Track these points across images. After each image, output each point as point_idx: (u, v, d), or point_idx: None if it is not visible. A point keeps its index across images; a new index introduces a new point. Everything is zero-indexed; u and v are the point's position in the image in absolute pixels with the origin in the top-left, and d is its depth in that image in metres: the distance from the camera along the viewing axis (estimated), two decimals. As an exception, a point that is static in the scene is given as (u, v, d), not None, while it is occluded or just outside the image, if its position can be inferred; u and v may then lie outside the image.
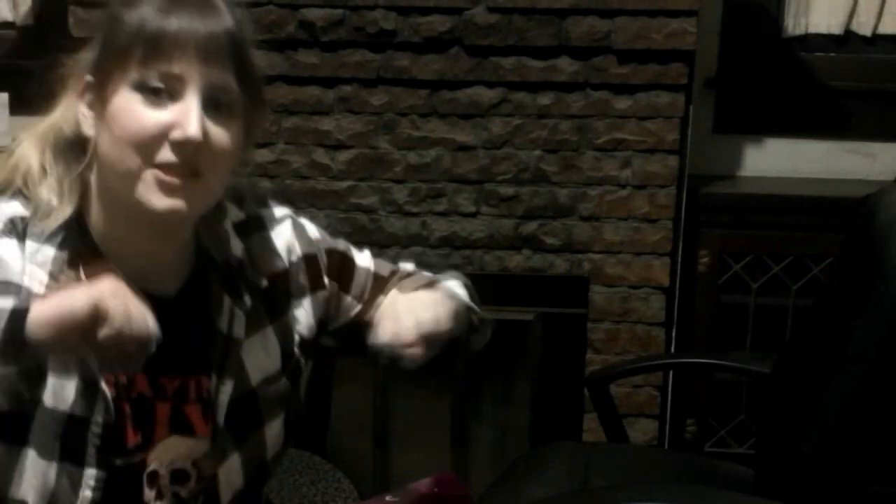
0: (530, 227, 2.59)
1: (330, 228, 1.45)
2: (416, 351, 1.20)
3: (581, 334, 2.63)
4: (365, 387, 2.72)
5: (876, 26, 2.80)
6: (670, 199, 2.55)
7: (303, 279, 1.34)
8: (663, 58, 2.47)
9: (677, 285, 2.64)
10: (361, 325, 1.35)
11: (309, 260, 1.35)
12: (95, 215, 1.19)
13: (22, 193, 1.18)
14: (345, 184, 2.57)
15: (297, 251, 1.34)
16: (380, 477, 2.78)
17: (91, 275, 1.14)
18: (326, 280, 1.36)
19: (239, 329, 1.25)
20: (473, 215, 2.60)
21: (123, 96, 1.12)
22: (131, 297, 1.03)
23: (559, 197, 2.57)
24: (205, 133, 1.12)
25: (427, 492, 1.44)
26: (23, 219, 1.16)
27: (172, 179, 1.12)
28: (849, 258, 1.78)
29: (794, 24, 2.82)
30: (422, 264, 1.51)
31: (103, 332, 1.00)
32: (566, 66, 2.49)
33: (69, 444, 1.15)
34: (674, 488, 1.71)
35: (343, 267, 1.39)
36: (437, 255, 2.61)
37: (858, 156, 2.85)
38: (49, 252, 1.15)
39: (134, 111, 1.12)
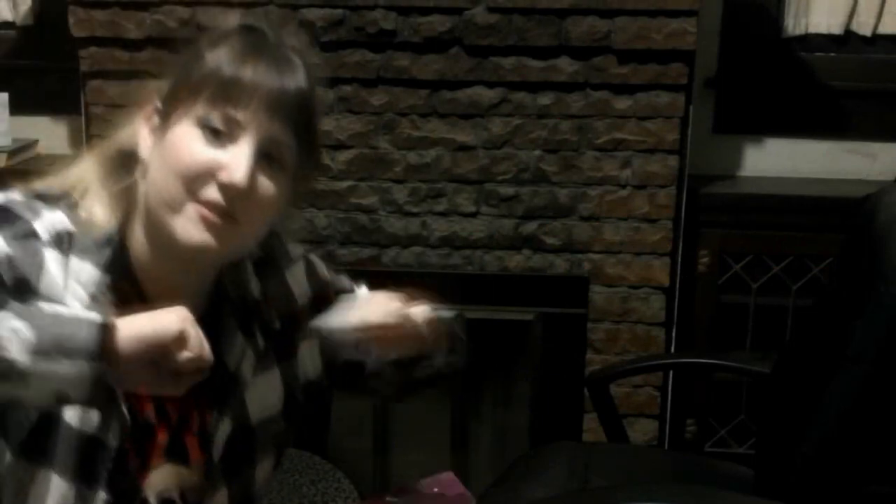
0: (530, 227, 2.59)
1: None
2: (357, 337, 1.21)
3: (581, 334, 2.63)
4: (365, 387, 2.72)
5: (876, 26, 2.81)
6: (670, 199, 2.55)
7: (310, 322, 1.33)
8: (663, 58, 2.47)
9: (677, 285, 2.64)
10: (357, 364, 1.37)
11: (319, 302, 1.35)
12: (135, 237, 1.20)
13: (68, 206, 1.19)
14: (345, 184, 2.57)
15: (308, 293, 1.36)
16: (380, 477, 2.78)
17: (123, 298, 1.16)
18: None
19: (247, 369, 1.27)
20: (473, 215, 2.60)
21: (184, 128, 1.14)
22: (199, 331, 1.06)
23: (559, 197, 2.57)
24: (251, 182, 1.14)
25: (427, 492, 1.44)
26: (69, 234, 1.17)
27: (211, 217, 1.13)
28: (849, 258, 1.78)
29: (794, 24, 2.82)
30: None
31: (183, 356, 1.03)
32: (566, 66, 2.49)
33: (87, 465, 1.16)
34: (674, 488, 1.71)
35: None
36: (437, 255, 2.61)
37: (858, 156, 2.85)
38: (92, 272, 1.16)
39: (190, 144, 1.14)
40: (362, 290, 1.43)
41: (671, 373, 2.66)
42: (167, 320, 1.04)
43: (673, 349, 2.67)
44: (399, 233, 2.60)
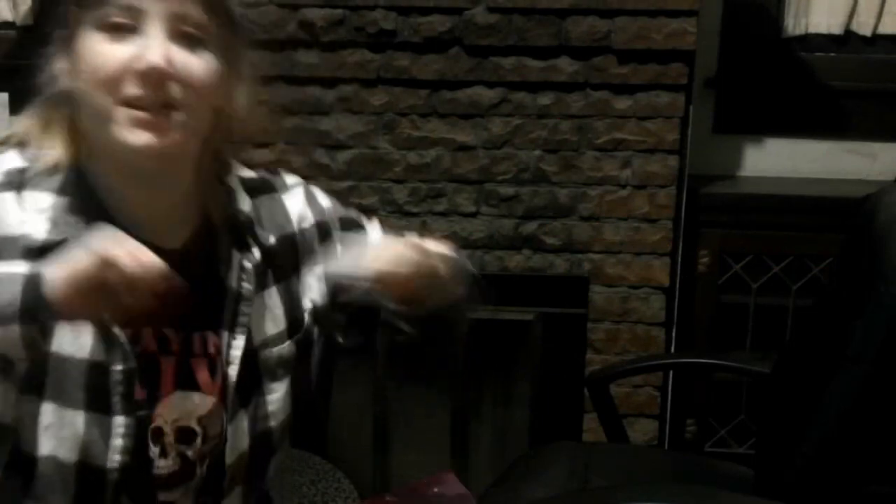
0: (530, 227, 2.59)
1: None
2: (370, 285, 1.17)
3: (581, 334, 2.63)
4: (365, 387, 2.72)
5: (876, 26, 2.80)
6: (670, 199, 2.55)
7: (316, 247, 1.33)
8: (663, 58, 2.47)
9: (677, 285, 2.64)
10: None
11: (322, 228, 1.34)
12: (94, 168, 1.18)
13: (18, 146, 1.18)
14: (345, 184, 2.57)
15: (310, 218, 1.34)
16: (380, 477, 2.78)
17: (92, 226, 1.12)
18: (340, 248, 1.34)
19: (248, 284, 1.24)
20: (473, 215, 2.60)
21: (88, 38, 1.12)
22: (136, 245, 1.02)
23: (559, 197, 2.57)
24: (171, 62, 1.10)
25: (427, 492, 1.44)
26: (21, 170, 1.16)
27: (142, 114, 1.10)
28: (849, 258, 1.78)
29: (794, 24, 2.82)
30: None
31: (117, 281, 0.99)
32: (566, 66, 2.49)
33: (95, 392, 1.14)
34: (674, 488, 1.71)
35: (351, 237, 1.37)
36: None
37: (858, 156, 2.85)
38: (47, 199, 1.14)
39: (97, 49, 1.11)
40: (374, 231, 1.40)
41: (671, 373, 2.66)
42: (77, 253, 1.00)
43: (673, 349, 2.68)
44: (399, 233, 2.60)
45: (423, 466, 2.27)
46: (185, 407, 1.20)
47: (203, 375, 1.21)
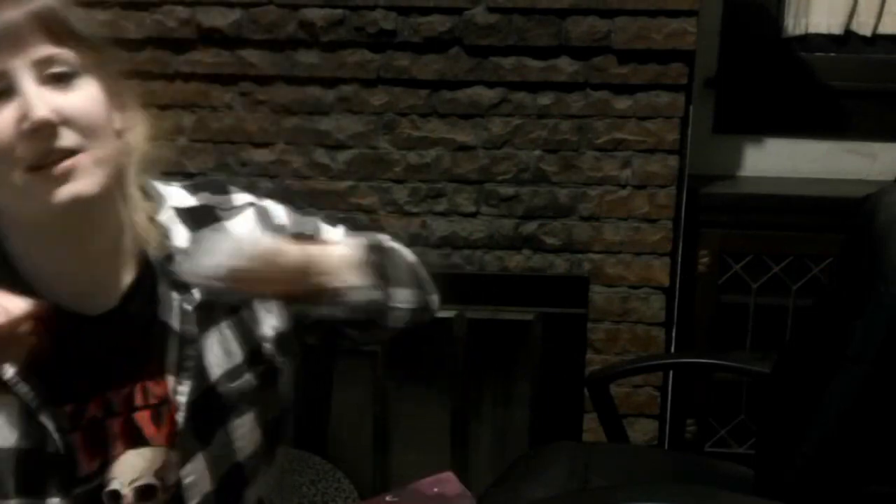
0: (530, 227, 2.59)
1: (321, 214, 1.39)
2: (224, 284, 1.09)
3: (581, 334, 2.63)
4: (365, 387, 2.72)
5: (876, 26, 2.81)
6: (670, 199, 2.55)
7: None
8: (663, 58, 2.47)
9: (677, 285, 2.64)
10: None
11: None
12: (16, 249, 1.14)
13: None
14: (345, 184, 2.57)
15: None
16: (380, 477, 2.78)
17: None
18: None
19: (191, 325, 1.20)
20: (473, 215, 2.60)
21: None
22: (6, 297, 1.02)
23: (559, 197, 2.57)
24: (56, 110, 1.07)
25: (427, 492, 1.44)
26: None
27: (53, 170, 1.06)
28: (849, 258, 1.78)
29: (794, 24, 2.82)
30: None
31: None
32: (566, 66, 2.49)
33: (26, 478, 1.13)
34: (674, 488, 1.71)
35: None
36: (437, 255, 2.61)
37: (858, 156, 2.85)
38: None
39: None
40: (337, 233, 1.37)
41: (671, 373, 2.66)
42: None
43: (673, 349, 2.68)
44: (399, 233, 2.60)
45: (423, 466, 2.27)
46: (139, 465, 1.19)
47: (149, 428, 1.19)
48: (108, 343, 1.16)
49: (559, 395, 2.67)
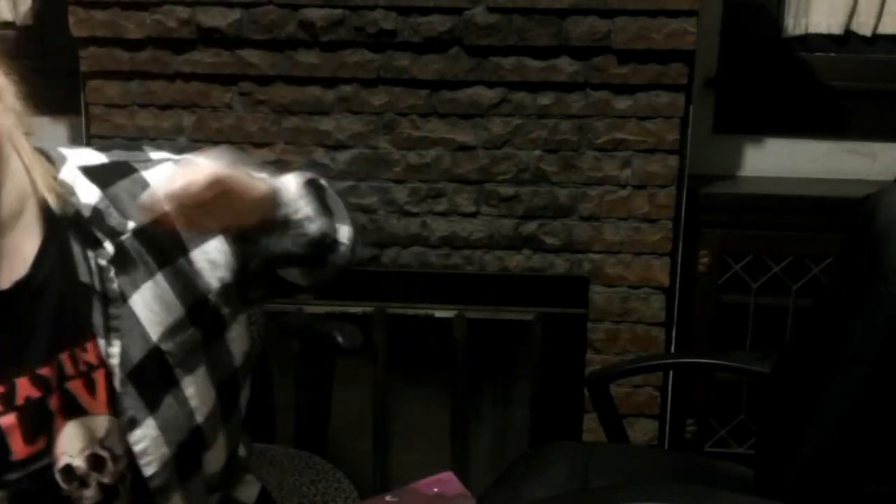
0: (530, 227, 2.59)
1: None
2: (167, 210, 1.02)
3: (581, 334, 2.63)
4: (365, 387, 2.72)
5: (876, 26, 2.80)
6: (670, 199, 2.55)
7: None
8: (663, 58, 2.47)
9: (677, 285, 2.64)
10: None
11: None
12: None
13: None
14: (345, 184, 2.57)
15: None
16: (380, 477, 2.78)
17: None
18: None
19: (111, 282, 1.15)
20: (473, 215, 2.60)
21: None
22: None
23: (559, 197, 2.57)
24: None
25: (427, 492, 1.44)
26: None
27: None
28: (849, 258, 1.78)
29: (794, 24, 2.82)
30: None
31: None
32: (566, 66, 2.49)
33: None
34: (674, 488, 1.71)
35: None
36: (437, 255, 2.61)
37: (858, 156, 2.85)
38: None
39: None
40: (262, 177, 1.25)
41: (671, 373, 2.66)
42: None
43: (673, 349, 2.68)
44: (399, 233, 2.60)
45: (423, 466, 2.27)
46: (82, 435, 1.15)
47: (85, 397, 1.15)
48: (23, 315, 1.12)
49: (559, 395, 2.67)
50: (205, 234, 1.19)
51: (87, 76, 2.54)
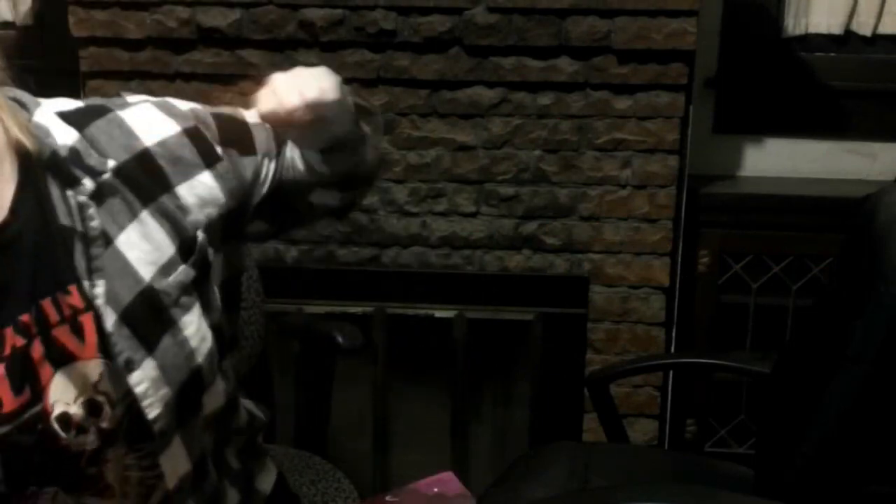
0: (530, 227, 2.59)
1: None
2: (301, 116, 1.23)
3: (581, 334, 2.63)
4: (365, 387, 2.72)
5: (876, 26, 2.81)
6: (670, 199, 2.56)
7: (190, 154, 1.19)
8: (663, 58, 2.47)
9: (677, 285, 2.64)
10: (286, 188, 1.30)
11: (191, 133, 1.21)
12: None
13: None
14: (345, 184, 2.56)
15: (171, 128, 1.20)
16: (380, 477, 2.78)
17: None
18: (220, 150, 1.24)
19: (91, 219, 1.12)
20: (473, 215, 2.60)
21: None
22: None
23: (559, 197, 2.57)
24: None
25: (427, 492, 1.44)
26: None
27: None
28: (849, 258, 1.78)
29: (794, 24, 2.82)
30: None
31: None
32: (566, 66, 2.49)
33: None
34: (674, 488, 1.71)
35: (235, 129, 1.29)
36: (437, 255, 2.61)
37: (858, 156, 2.85)
38: None
39: None
40: (252, 113, 1.34)
41: (671, 373, 2.66)
42: None
43: (673, 349, 2.68)
44: (399, 233, 2.60)
45: (423, 466, 2.27)
46: (75, 382, 1.12)
47: (72, 343, 1.12)
48: (2, 263, 1.09)
49: (559, 395, 2.67)
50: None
51: (87, 76, 2.54)
